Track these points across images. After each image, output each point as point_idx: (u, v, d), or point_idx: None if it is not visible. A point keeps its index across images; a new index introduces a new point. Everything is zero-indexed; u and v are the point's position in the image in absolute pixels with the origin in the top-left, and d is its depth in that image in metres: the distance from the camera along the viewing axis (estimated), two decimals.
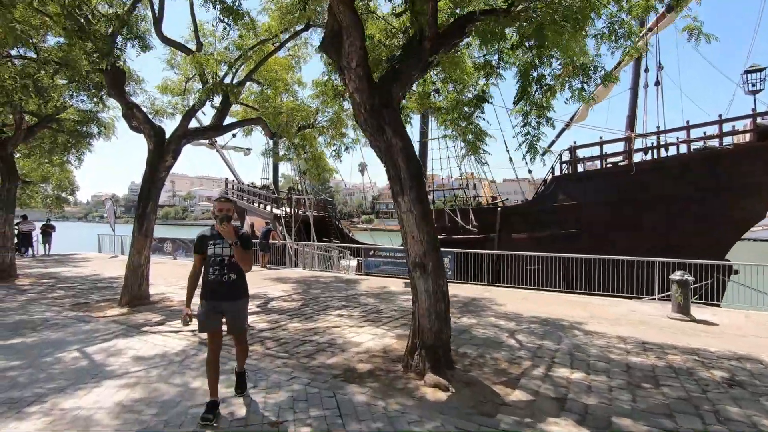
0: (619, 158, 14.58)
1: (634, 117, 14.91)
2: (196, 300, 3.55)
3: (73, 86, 10.35)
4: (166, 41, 7.86)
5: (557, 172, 15.02)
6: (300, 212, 20.92)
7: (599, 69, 5.34)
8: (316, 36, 10.46)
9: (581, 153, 14.72)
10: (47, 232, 18.54)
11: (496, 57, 6.08)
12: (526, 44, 5.59)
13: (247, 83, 10.11)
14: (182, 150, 8.71)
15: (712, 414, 3.61)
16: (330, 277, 12.28)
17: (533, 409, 3.63)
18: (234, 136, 25.73)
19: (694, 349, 5.58)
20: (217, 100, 9.22)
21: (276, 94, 10.48)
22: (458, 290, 9.91)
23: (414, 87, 7.57)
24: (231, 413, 3.49)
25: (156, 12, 7.41)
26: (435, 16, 4.45)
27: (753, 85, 12.46)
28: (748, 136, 12.37)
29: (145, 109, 8.86)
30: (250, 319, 6.76)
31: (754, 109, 12.16)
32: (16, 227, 15.68)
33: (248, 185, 26.09)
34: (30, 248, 18.01)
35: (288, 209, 21.96)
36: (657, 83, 15.05)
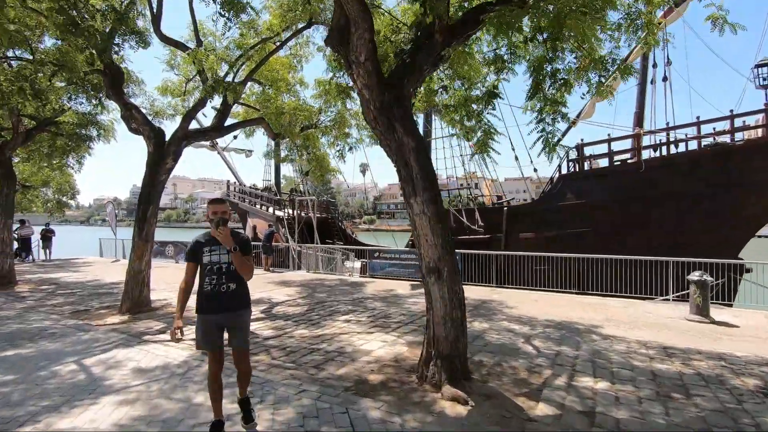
0: (627, 156, 14.32)
1: (642, 114, 14.63)
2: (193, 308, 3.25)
3: (72, 88, 10.16)
4: (165, 40, 7.64)
5: (564, 171, 14.76)
6: (302, 214, 20.70)
7: (617, 62, 5.11)
8: (318, 34, 10.25)
9: (588, 150, 14.46)
10: (47, 236, 18.32)
11: (506, 51, 5.85)
12: (539, 37, 5.37)
13: (248, 83, 9.90)
14: (183, 152, 8.50)
15: (753, 428, 3.36)
16: (335, 280, 12.05)
17: (561, 425, 3.38)
18: (235, 138, 25.62)
19: (719, 354, 5.32)
20: (218, 100, 9.01)
21: (277, 94, 10.27)
22: (467, 292, 9.48)
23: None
24: None
25: (154, 9, 7.19)
26: (447, 8, 4.21)
27: (764, 80, 12.18)
28: (760, 132, 12.10)
29: (144, 111, 8.66)
30: (254, 326, 6.54)
31: (766, 104, 11.88)
32: (15, 233, 15.50)
33: (250, 187, 25.89)
34: (29, 253, 17.83)
35: (290, 211, 21.75)
36: (665, 79, 14.78)
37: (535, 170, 17.56)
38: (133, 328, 6.56)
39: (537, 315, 7.56)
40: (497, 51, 6.01)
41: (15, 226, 14.73)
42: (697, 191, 12.24)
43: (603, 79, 5.12)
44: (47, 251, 18.33)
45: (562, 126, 5.66)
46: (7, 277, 10.78)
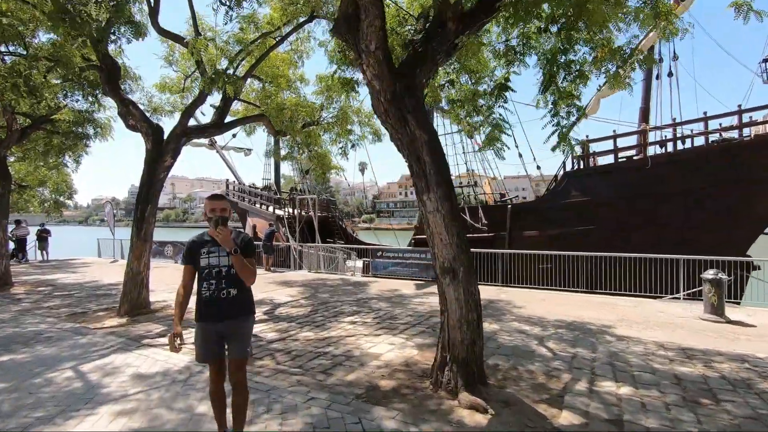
0: (632, 152, 14.13)
1: (648, 109, 14.42)
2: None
3: (67, 85, 9.92)
4: (163, 33, 7.41)
5: (568, 167, 14.56)
6: (303, 213, 20.47)
7: (636, 52, 4.90)
8: (319, 28, 10.06)
9: (593, 147, 14.25)
10: (43, 237, 18.05)
11: (517, 42, 5.65)
12: (552, 28, 5.17)
13: (248, 80, 9.67)
14: (182, 151, 8.27)
15: None
16: (337, 280, 11.84)
17: None
18: (234, 136, 25.33)
19: (741, 356, 5.13)
20: (217, 96, 8.78)
21: (278, 90, 10.04)
22: None
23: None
24: None
25: (152, 1, 6.95)
26: None
27: None
28: None
29: (142, 107, 8.42)
30: (257, 328, 6.32)
31: None
32: (11, 234, 15.27)
33: (249, 186, 25.64)
34: (26, 254, 17.58)
35: (290, 210, 21.53)
36: (670, 74, 14.59)
37: (538, 167, 17.33)
38: (132, 331, 6.34)
39: (546, 315, 7.37)
40: (508, 42, 5.83)
41: (11, 227, 14.49)
42: (704, 188, 12.05)
43: (621, 70, 4.92)
44: (43, 252, 18.06)
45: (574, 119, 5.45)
46: (3, 279, 10.54)
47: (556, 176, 15.01)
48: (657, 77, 14.83)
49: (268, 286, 10.40)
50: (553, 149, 4.99)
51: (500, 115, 5.37)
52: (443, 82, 7.24)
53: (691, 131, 12.93)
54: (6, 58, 8.87)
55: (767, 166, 11.49)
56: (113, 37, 7.08)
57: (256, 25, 8.59)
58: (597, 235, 12.93)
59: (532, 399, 3.79)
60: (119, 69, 7.83)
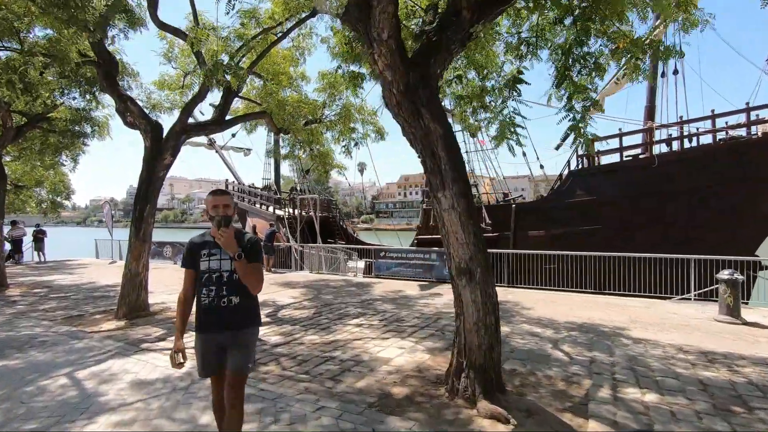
0: (638, 151, 13.94)
1: (653, 107, 14.23)
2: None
3: (64, 82, 9.68)
4: (162, 26, 7.19)
5: (573, 166, 14.37)
6: (303, 213, 20.25)
7: (656, 43, 4.70)
8: (322, 24, 9.84)
9: (598, 146, 14.04)
10: (38, 238, 17.79)
11: (530, 35, 5.46)
12: (567, 20, 4.98)
13: (249, 77, 9.46)
14: (181, 150, 8.06)
15: None
16: (339, 281, 11.62)
17: None
18: (233, 135, 25.11)
19: (764, 359, 4.94)
20: (218, 94, 8.56)
21: (279, 88, 9.83)
22: None
23: None
24: None
25: None
26: None
27: None
28: None
29: (140, 104, 8.19)
30: (261, 331, 6.10)
31: None
32: (7, 234, 15.02)
33: (249, 186, 25.41)
34: (22, 255, 17.33)
35: (291, 210, 21.30)
36: (675, 72, 14.39)
37: (542, 167, 17.16)
38: (130, 334, 6.12)
39: (556, 316, 7.17)
40: (520, 34, 5.64)
41: (6, 228, 14.24)
42: (711, 186, 11.87)
43: (640, 62, 4.72)
44: (40, 253, 17.80)
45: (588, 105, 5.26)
46: None
47: (560, 175, 14.82)
48: (662, 75, 14.65)
49: (269, 288, 10.18)
50: (571, 146, 4.78)
51: (515, 108, 5.14)
52: (451, 77, 7.04)
53: (697, 129, 12.76)
54: (0, 53, 8.65)
55: None
56: (110, 30, 6.84)
57: (258, 20, 8.38)
58: (602, 234, 12.75)
59: (555, 407, 3.58)
60: (117, 64, 7.61)
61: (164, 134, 7.58)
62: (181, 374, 4.44)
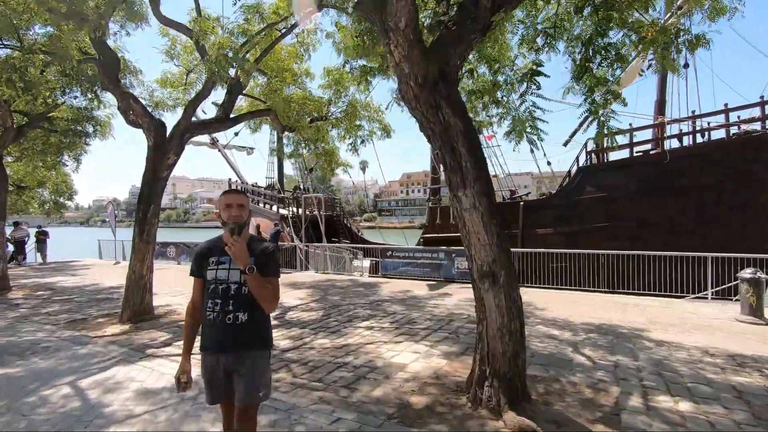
0: (648, 146, 13.67)
1: (664, 102, 13.95)
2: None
3: (65, 80, 9.51)
4: (165, 22, 6.99)
5: (582, 163, 14.12)
6: (307, 212, 20.07)
7: (685, 32, 4.48)
8: (327, 19, 9.62)
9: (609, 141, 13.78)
10: (40, 239, 17.67)
11: (546, 26, 5.24)
12: (586, 9, 4.76)
13: (253, 74, 9.25)
14: (184, 148, 7.87)
15: None
16: (346, 281, 11.44)
17: None
18: (236, 134, 24.92)
19: None
20: (222, 92, 8.36)
21: (283, 85, 9.63)
22: None
23: None
24: None
25: None
26: None
27: None
28: None
29: (143, 102, 8.00)
30: None
31: None
32: (9, 236, 14.90)
33: (252, 185, 25.27)
34: (25, 257, 17.22)
35: (294, 209, 21.13)
36: (686, 65, 14.08)
37: (549, 163, 16.92)
38: (135, 339, 5.94)
39: (572, 317, 6.97)
40: (536, 26, 5.42)
41: (9, 229, 14.11)
42: (726, 183, 11.61)
43: (666, 52, 4.50)
44: (42, 254, 17.70)
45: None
46: (1, 283, 10.14)
47: (569, 172, 14.57)
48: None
49: None
50: (595, 140, 4.56)
51: (534, 102, 4.93)
52: (462, 72, 6.83)
53: (708, 123, 12.48)
54: (0, 51, 8.47)
55: None
56: (111, 25, 6.65)
57: (262, 15, 8.17)
58: (612, 231, 12.51)
59: (585, 418, 3.38)
60: (119, 61, 7.42)
61: (168, 133, 7.39)
62: None
